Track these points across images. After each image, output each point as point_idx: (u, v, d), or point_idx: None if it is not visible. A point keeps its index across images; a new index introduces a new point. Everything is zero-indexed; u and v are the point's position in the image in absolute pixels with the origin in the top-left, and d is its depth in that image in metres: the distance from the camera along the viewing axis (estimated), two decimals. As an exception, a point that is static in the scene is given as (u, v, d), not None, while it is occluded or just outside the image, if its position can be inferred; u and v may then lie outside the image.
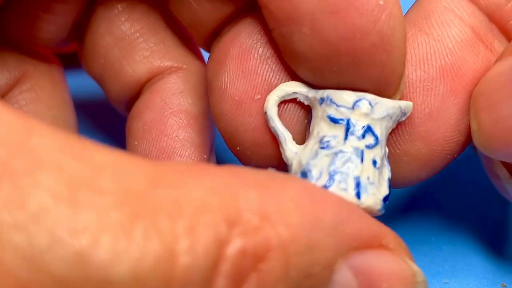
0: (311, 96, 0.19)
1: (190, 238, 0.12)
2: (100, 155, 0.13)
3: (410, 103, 0.19)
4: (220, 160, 0.25)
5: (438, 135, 0.20)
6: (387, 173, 0.19)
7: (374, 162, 0.18)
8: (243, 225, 0.13)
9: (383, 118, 0.18)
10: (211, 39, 0.21)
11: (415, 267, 0.17)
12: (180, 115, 0.23)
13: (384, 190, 0.18)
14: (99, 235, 0.11)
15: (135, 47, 0.23)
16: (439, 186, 0.27)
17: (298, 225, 0.14)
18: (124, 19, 0.23)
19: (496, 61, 0.19)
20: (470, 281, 0.23)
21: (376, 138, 0.18)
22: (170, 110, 0.23)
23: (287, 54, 0.19)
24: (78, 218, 0.12)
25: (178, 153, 0.22)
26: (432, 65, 0.19)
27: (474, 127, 0.19)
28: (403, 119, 0.19)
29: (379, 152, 0.18)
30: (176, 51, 0.23)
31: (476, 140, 0.19)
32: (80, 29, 0.24)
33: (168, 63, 0.23)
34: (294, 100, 0.19)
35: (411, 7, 0.21)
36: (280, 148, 0.19)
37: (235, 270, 0.12)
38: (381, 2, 0.17)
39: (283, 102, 0.19)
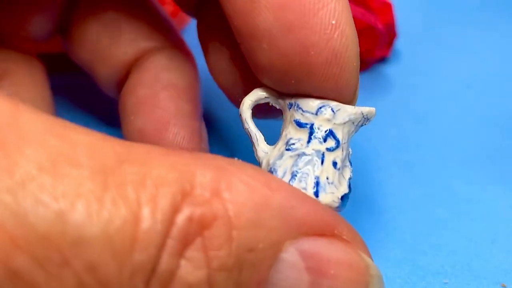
0: (281, 101, 0.20)
1: (151, 206, 0.14)
2: (78, 135, 0.14)
3: (373, 109, 0.20)
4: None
5: None
6: (348, 173, 0.20)
7: (335, 164, 0.19)
8: (194, 197, 0.15)
9: (345, 123, 0.19)
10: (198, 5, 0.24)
11: (369, 260, 0.17)
12: (170, 88, 0.24)
13: (344, 189, 0.19)
14: (75, 200, 0.13)
15: (121, 31, 0.25)
16: (439, 186, 0.27)
17: (245, 203, 0.15)
18: (108, 6, 0.25)
19: None
20: (470, 281, 0.23)
21: (338, 141, 0.19)
22: (160, 84, 0.24)
23: (252, 66, 0.20)
24: (58, 186, 0.13)
25: (173, 122, 0.24)
26: None
27: None
28: (367, 123, 0.20)
29: (340, 154, 0.19)
30: (159, 32, 0.25)
31: None
32: (65, 22, 0.25)
33: (153, 44, 0.25)
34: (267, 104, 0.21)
35: None
36: (253, 148, 0.20)
37: (182, 234, 0.14)
38: (333, 22, 0.18)
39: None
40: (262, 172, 0.16)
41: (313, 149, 0.19)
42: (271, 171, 0.19)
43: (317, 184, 0.19)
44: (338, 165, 0.19)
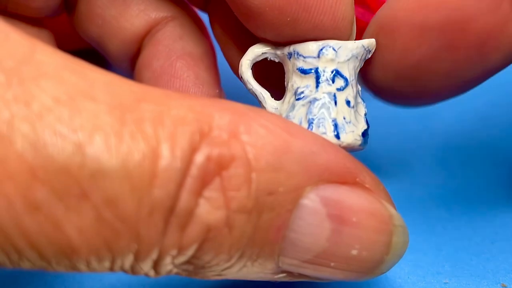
0: (279, 53, 0.20)
1: (170, 143, 0.14)
2: (94, 73, 0.14)
3: (372, 40, 0.20)
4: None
5: None
6: (362, 109, 0.20)
7: (348, 102, 0.19)
8: (212, 138, 0.14)
9: (349, 60, 0.19)
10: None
11: (392, 210, 0.17)
12: (186, 57, 0.24)
13: (362, 126, 0.19)
14: (93, 133, 0.13)
15: (129, 3, 0.24)
16: (439, 186, 0.27)
17: (265, 147, 0.15)
18: None
19: None
20: (470, 281, 0.23)
21: (346, 79, 0.19)
22: (176, 54, 0.24)
23: (245, 16, 0.20)
24: (75, 118, 0.13)
25: (192, 91, 0.23)
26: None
27: None
28: (369, 56, 0.20)
29: (351, 92, 0.19)
30: (167, 2, 0.25)
31: None
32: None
33: (163, 14, 0.24)
34: (266, 60, 0.20)
35: None
36: (261, 106, 0.20)
37: (201, 173, 0.14)
38: None
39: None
40: (282, 118, 0.16)
41: (323, 93, 0.19)
42: None
43: (335, 126, 0.18)
44: (352, 103, 0.19)
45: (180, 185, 0.14)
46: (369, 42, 0.19)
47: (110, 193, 0.13)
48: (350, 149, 0.19)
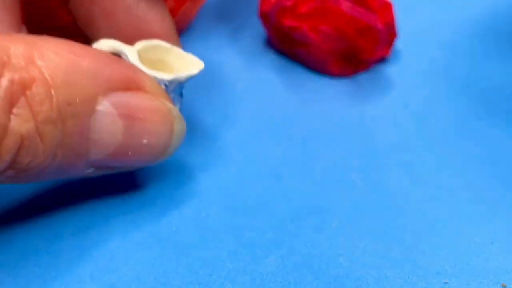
0: None
1: None
2: None
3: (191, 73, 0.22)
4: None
5: None
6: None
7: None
8: (12, 65, 0.17)
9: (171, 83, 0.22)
10: None
11: (170, 105, 0.21)
12: None
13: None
14: None
15: None
16: (439, 186, 0.27)
17: (57, 68, 0.18)
18: None
19: None
20: (470, 281, 0.23)
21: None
22: None
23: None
24: None
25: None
26: None
27: None
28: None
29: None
30: None
31: None
32: None
33: None
34: None
35: None
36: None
37: (8, 94, 0.17)
38: None
39: None
40: (68, 42, 0.19)
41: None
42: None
43: None
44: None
45: None
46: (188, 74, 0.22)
47: None
48: None
